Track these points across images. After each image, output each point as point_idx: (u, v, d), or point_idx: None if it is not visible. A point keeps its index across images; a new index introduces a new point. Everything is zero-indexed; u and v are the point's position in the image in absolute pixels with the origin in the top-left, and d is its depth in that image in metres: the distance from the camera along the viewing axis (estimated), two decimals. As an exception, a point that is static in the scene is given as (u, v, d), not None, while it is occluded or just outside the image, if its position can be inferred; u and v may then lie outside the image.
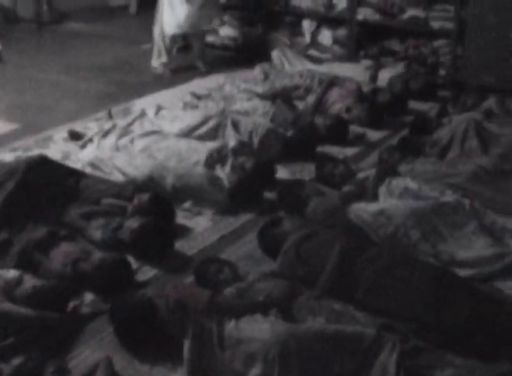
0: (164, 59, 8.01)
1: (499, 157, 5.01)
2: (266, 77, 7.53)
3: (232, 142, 5.33)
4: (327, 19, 8.46)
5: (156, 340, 3.32)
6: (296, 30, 8.76)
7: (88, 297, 3.73)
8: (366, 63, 7.80)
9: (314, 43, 8.56)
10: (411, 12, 7.80)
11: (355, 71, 7.41)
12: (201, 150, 5.14)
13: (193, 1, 7.65)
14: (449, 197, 4.40)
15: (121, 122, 5.90)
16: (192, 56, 8.32)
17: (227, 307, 3.22)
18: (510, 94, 6.56)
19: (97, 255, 3.86)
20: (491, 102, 6.15)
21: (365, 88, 6.75)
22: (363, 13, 8.04)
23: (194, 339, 3.03)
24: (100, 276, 3.73)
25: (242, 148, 5.31)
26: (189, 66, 8.21)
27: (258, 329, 3.02)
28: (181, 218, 4.59)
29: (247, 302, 3.31)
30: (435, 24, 7.61)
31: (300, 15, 8.69)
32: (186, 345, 3.04)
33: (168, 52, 8.00)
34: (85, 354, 3.33)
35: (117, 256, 3.87)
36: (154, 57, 8.08)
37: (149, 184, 4.75)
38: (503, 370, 2.93)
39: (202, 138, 5.51)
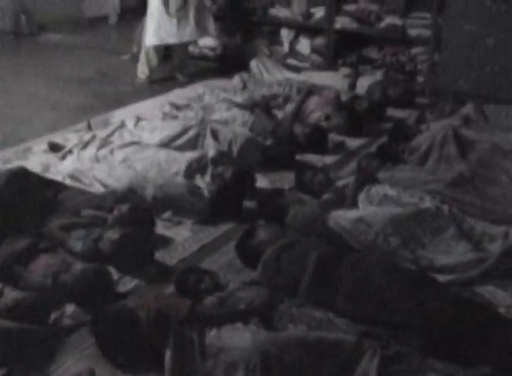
0: (146, 69, 8.01)
1: (477, 163, 5.04)
2: (245, 86, 7.56)
3: (211, 152, 5.33)
4: (305, 28, 8.53)
5: (138, 350, 3.31)
6: (274, 39, 8.83)
7: (70, 308, 3.69)
8: (345, 71, 7.87)
9: (292, 52, 8.62)
10: (388, 20, 7.88)
11: (333, 79, 7.46)
12: (181, 160, 5.14)
13: (173, 12, 7.64)
14: (428, 203, 4.42)
15: (101, 133, 5.88)
16: (171, 67, 8.32)
17: (208, 316, 3.22)
18: (488, 100, 6.62)
19: (78, 267, 3.83)
20: (468, 108, 6.19)
21: (344, 97, 6.78)
22: (341, 22, 8.11)
23: (175, 349, 3.03)
24: (81, 288, 3.70)
25: (221, 157, 5.31)
26: (168, 76, 8.22)
27: (239, 337, 3.03)
28: (161, 229, 4.58)
29: (228, 311, 3.30)
30: (412, 32, 7.69)
31: (278, 24, 8.75)
32: (168, 354, 3.04)
33: (149, 62, 7.99)
34: (67, 366, 3.31)
35: (97, 267, 3.85)
36: (139, 67, 8.08)
37: (129, 195, 4.73)
38: (483, 375, 2.95)
39: (181, 148, 5.51)
